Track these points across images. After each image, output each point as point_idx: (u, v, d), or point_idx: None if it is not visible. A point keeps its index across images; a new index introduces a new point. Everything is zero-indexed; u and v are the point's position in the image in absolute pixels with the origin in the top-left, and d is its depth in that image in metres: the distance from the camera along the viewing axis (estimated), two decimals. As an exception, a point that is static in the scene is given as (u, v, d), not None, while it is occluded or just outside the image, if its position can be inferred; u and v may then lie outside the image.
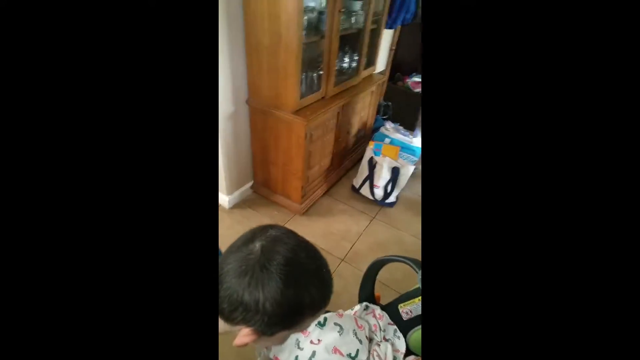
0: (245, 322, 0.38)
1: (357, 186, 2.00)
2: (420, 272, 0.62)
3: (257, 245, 0.38)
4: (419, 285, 0.80)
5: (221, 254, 0.44)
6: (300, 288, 0.38)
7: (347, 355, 0.67)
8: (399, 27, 2.28)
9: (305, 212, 1.85)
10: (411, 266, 0.68)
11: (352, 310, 0.86)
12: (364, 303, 0.85)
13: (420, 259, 0.67)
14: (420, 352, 0.84)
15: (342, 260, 1.61)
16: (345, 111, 1.81)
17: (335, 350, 0.66)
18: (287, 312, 0.38)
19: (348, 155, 2.16)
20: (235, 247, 0.40)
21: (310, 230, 1.75)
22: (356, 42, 1.76)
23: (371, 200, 1.96)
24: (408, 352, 0.83)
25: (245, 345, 0.41)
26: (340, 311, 0.80)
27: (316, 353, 0.65)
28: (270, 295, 0.36)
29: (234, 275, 0.37)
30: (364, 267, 1.65)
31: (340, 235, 1.75)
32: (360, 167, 1.97)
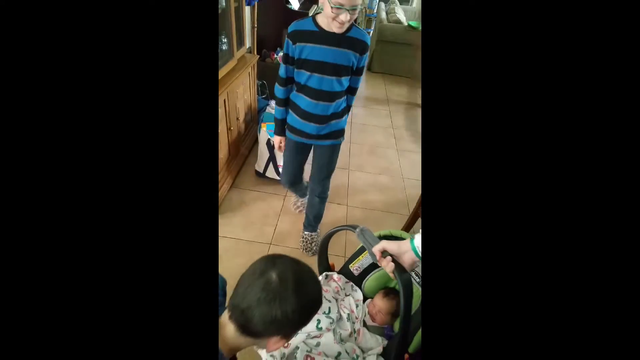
0: (278, 332, 0.52)
1: (261, 170, 1.99)
2: (357, 230, 0.71)
3: (274, 275, 0.51)
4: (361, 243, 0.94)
5: None
6: (309, 294, 0.53)
7: (323, 313, 0.83)
8: (256, 4, 2.23)
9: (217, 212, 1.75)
10: (348, 229, 0.77)
11: None
12: (324, 274, 0.95)
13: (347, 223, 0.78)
14: (373, 294, 1.01)
15: (270, 244, 1.64)
16: (231, 97, 1.72)
17: None
18: (306, 313, 0.54)
19: (242, 142, 2.10)
20: (252, 279, 0.51)
21: (230, 228, 1.68)
22: (222, 22, 1.65)
23: (278, 180, 2.00)
24: (364, 299, 0.99)
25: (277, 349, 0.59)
26: None
27: None
28: (295, 307, 0.50)
29: (264, 302, 0.49)
30: (292, 244, 1.73)
31: (260, 222, 1.75)
32: (259, 151, 1.95)
